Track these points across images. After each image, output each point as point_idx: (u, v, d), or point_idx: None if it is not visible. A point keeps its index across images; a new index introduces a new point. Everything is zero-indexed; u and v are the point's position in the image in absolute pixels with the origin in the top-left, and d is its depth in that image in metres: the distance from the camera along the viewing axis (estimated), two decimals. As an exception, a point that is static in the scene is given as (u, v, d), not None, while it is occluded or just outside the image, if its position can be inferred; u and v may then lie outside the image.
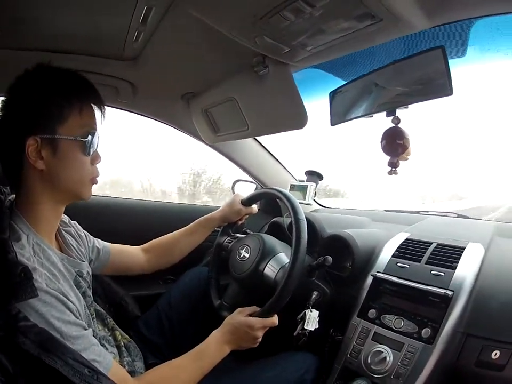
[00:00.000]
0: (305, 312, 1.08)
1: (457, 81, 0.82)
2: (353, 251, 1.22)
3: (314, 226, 1.33)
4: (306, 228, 1.01)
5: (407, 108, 0.91)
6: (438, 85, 0.83)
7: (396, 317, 1.04)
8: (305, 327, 1.06)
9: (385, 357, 0.98)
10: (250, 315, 0.97)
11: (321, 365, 1.09)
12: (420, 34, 0.85)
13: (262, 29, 0.82)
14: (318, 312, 1.09)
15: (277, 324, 0.98)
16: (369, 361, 1.01)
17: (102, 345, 0.79)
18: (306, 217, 1.06)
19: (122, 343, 0.95)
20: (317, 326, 1.07)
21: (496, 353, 0.93)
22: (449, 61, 0.81)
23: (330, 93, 1.09)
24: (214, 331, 0.95)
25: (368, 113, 0.97)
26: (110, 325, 0.97)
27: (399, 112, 0.93)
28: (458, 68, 0.93)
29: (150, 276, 1.24)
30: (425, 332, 0.98)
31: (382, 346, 1.02)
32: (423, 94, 0.88)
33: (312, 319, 1.07)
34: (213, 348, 0.92)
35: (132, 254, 1.17)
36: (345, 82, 1.06)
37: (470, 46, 0.91)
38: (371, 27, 0.77)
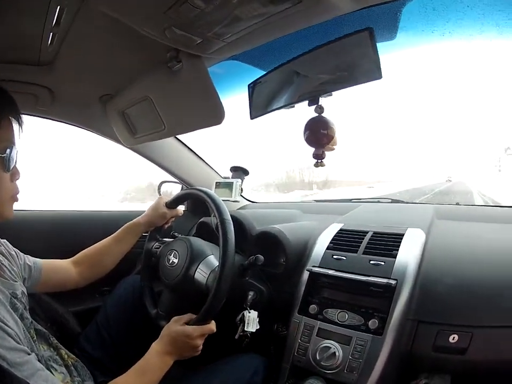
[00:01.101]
0: (243, 314, 1.04)
1: (387, 65, 0.78)
2: (285, 247, 1.17)
3: (242, 224, 1.27)
4: (232, 228, 0.95)
5: (331, 95, 0.86)
6: (365, 69, 0.78)
7: (338, 310, 1.01)
8: (245, 329, 1.02)
9: (334, 352, 0.95)
10: (187, 323, 0.92)
11: (269, 365, 1.05)
12: (345, 18, 0.80)
13: (171, 20, 0.76)
14: (256, 312, 1.05)
15: (215, 330, 0.93)
16: (318, 357, 0.97)
17: (50, 366, 0.77)
18: (233, 215, 1.01)
19: (70, 363, 0.89)
20: (258, 327, 1.04)
21: (454, 337, 0.93)
22: (378, 44, 0.77)
23: (249, 85, 1.02)
24: (153, 343, 0.90)
25: (289, 104, 0.91)
26: (54, 344, 0.90)
27: (323, 101, 0.88)
28: (388, 51, 0.91)
29: (86, 290, 1.16)
30: (373, 323, 0.95)
31: (329, 341, 0.98)
32: (350, 80, 0.83)
33: (251, 320, 1.03)
34: (155, 361, 0.87)
35: (64, 269, 1.08)
36: (265, 72, 1.00)
37: (401, 28, 0.87)
38: (290, 10, 0.71)
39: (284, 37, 0.88)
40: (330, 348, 0.96)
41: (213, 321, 0.94)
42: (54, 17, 0.80)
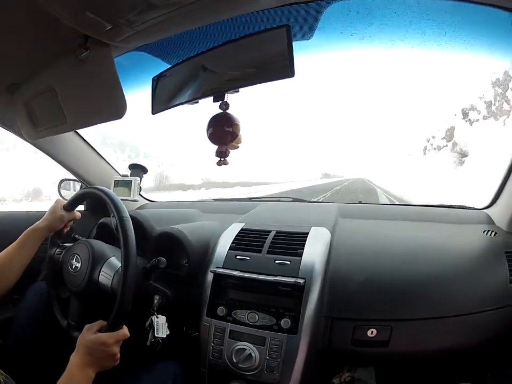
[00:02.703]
0: (151, 319, 0.99)
1: (299, 64, 0.75)
2: (186, 248, 1.12)
3: (142, 224, 1.20)
4: (131, 225, 0.89)
5: (237, 91, 0.80)
6: (277, 67, 0.74)
7: (248, 311, 0.98)
8: (156, 334, 0.97)
9: (250, 354, 0.93)
10: (99, 331, 0.86)
11: (187, 370, 1.01)
12: (264, 13, 0.78)
13: (86, 3, 0.69)
14: (164, 317, 1.00)
15: (129, 334, 0.88)
16: (234, 360, 0.95)
17: None
18: (132, 215, 0.95)
19: (1, 380, 0.83)
20: (168, 332, 0.99)
21: (372, 331, 0.95)
22: (294, 43, 0.73)
23: (153, 78, 0.94)
24: (72, 355, 0.84)
25: (193, 99, 0.84)
26: None
27: (228, 97, 0.82)
28: (302, 50, 0.88)
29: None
30: (285, 323, 0.93)
31: (243, 343, 0.96)
32: (260, 77, 0.78)
33: (160, 325, 0.98)
34: (77, 374, 0.81)
35: None
36: (171, 65, 0.93)
37: (320, 28, 0.85)
38: (208, 0, 0.66)
39: (197, 29, 0.83)
40: (246, 349, 0.94)
41: (124, 326, 0.88)
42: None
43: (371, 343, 0.96)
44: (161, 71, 0.94)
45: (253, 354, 0.93)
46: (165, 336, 0.98)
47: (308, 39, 0.86)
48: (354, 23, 0.84)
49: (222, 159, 0.84)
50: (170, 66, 0.93)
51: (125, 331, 0.88)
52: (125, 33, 0.80)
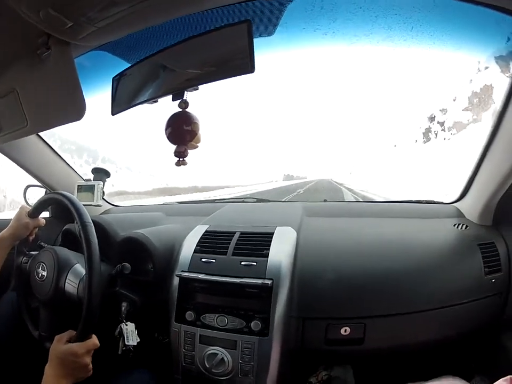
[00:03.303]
0: (121, 327, 0.97)
1: (262, 60, 0.74)
2: (151, 252, 1.09)
3: (105, 229, 1.15)
4: (94, 231, 0.87)
5: (197, 89, 0.78)
6: (238, 63, 0.72)
7: (217, 315, 0.96)
8: (126, 342, 0.95)
9: (223, 358, 0.92)
10: (70, 341, 0.84)
11: (161, 377, 0.99)
12: (225, 9, 0.75)
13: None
14: (133, 324, 0.98)
15: (99, 344, 0.85)
16: (207, 365, 0.93)
17: None
18: (95, 221, 0.94)
19: None
20: (138, 339, 0.97)
21: (345, 330, 0.94)
22: (255, 39, 0.71)
23: (114, 78, 0.91)
24: (46, 366, 0.81)
25: (152, 98, 0.81)
26: None
27: (188, 95, 0.79)
28: (264, 46, 0.85)
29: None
30: (255, 325, 0.91)
31: (215, 348, 0.94)
32: (219, 73, 0.75)
33: (130, 333, 0.96)
34: None
35: None
36: (132, 64, 0.89)
37: (282, 24, 0.82)
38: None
39: (157, 26, 0.79)
40: (217, 354, 0.93)
41: (94, 336, 0.85)
42: None
43: (345, 341, 0.96)
44: (122, 70, 0.91)
45: (226, 359, 0.92)
46: (135, 343, 0.96)
47: (269, 36, 0.83)
48: (318, 18, 0.82)
49: (180, 159, 0.81)
50: (130, 65, 0.90)
51: (94, 340, 0.85)
52: (86, 31, 0.77)
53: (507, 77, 0.92)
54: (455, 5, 0.76)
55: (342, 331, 0.94)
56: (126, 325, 0.96)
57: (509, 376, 0.64)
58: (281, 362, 0.92)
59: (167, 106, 0.81)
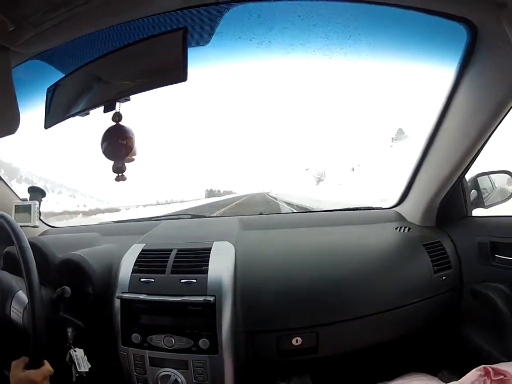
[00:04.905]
0: (70, 353, 0.91)
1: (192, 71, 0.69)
2: (90, 274, 1.02)
3: (43, 252, 1.07)
4: (32, 256, 0.82)
5: (128, 99, 0.73)
6: (171, 71, 0.69)
7: (163, 335, 0.92)
8: (78, 369, 0.89)
9: (176, 379, 0.90)
10: (26, 367, 0.80)
11: None
12: (161, 17, 0.73)
13: None
14: (82, 350, 0.92)
15: (53, 370, 0.81)
16: None
17: None
18: (33, 243, 0.90)
19: None
20: (89, 366, 0.91)
21: (297, 340, 0.93)
22: (191, 48, 0.69)
23: (48, 89, 0.86)
24: None
25: (84, 110, 0.76)
26: None
27: (120, 106, 0.75)
28: (198, 54, 0.82)
29: None
30: (203, 343, 0.88)
31: (166, 369, 0.90)
32: (152, 82, 0.72)
33: (80, 359, 0.90)
34: None
35: None
36: (66, 74, 0.84)
37: (218, 33, 0.80)
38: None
39: (93, 34, 0.76)
40: (170, 375, 0.90)
41: (47, 362, 0.81)
42: None
43: (299, 352, 0.94)
44: (57, 80, 0.86)
45: (179, 380, 0.89)
46: (87, 370, 0.90)
47: (204, 45, 0.81)
48: (255, 27, 0.81)
49: (119, 174, 0.76)
50: (65, 75, 0.85)
51: (48, 367, 0.82)
52: (26, 35, 0.73)
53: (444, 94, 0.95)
54: (394, 12, 0.75)
55: (294, 341, 0.93)
56: (75, 351, 0.90)
57: (481, 366, 0.65)
58: (236, 378, 0.90)
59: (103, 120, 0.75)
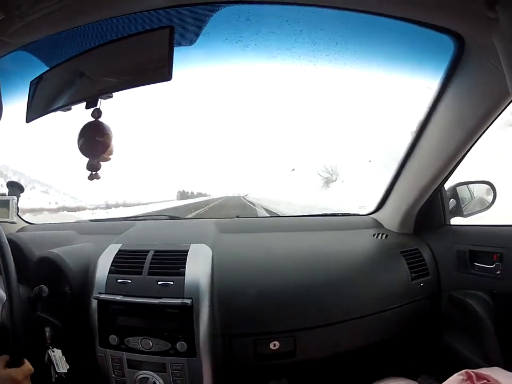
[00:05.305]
0: (48, 353, 0.90)
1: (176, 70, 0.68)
2: (67, 273, 1.00)
3: (21, 249, 1.05)
4: (10, 253, 0.81)
5: (111, 96, 0.72)
6: (155, 69, 0.68)
7: (140, 337, 0.90)
8: (57, 370, 0.89)
9: (154, 382, 0.88)
10: (7, 366, 0.79)
11: None
12: (149, 14, 0.72)
13: None
14: (60, 350, 0.91)
15: (33, 370, 0.80)
16: None
17: None
18: (11, 239, 0.89)
19: None
20: (68, 366, 0.90)
21: (274, 344, 0.93)
22: (177, 48, 0.69)
23: (32, 82, 0.83)
24: None
25: (66, 105, 0.74)
26: None
27: (101, 103, 0.74)
28: (184, 54, 0.82)
29: None
30: (181, 346, 0.88)
31: (144, 372, 0.89)
32: (136, 80, 0.71)
33: (58, 360, 0.90)
34: None
35: None
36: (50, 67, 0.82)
37: (205, 34, 0.79)
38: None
39: (80, 28, 0.75)
40: (148, 378, 0.89)
41: (27, 361, 0.80)
42: None
43: (276, 356, 0.94)
44: (40, 73, 0.84)
45: (158, 382, 0.88)
46: (66, 370, 0.90)
47: (190, 45, 0.80)
48: (242, 29, 0.80)
49: (93, 172, 0.74)
50: (48, 68, 0.83)
51: (28, 366, 0.81)
52: (15, 25, 0.73)
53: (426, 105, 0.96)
54: (380, 21, 0.75)
55: (271, 345, 0.93)
56: (53, 351, 0.90)
57: (464, 370, 0.65)
58: (214, 382, 0.90)
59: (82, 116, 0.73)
